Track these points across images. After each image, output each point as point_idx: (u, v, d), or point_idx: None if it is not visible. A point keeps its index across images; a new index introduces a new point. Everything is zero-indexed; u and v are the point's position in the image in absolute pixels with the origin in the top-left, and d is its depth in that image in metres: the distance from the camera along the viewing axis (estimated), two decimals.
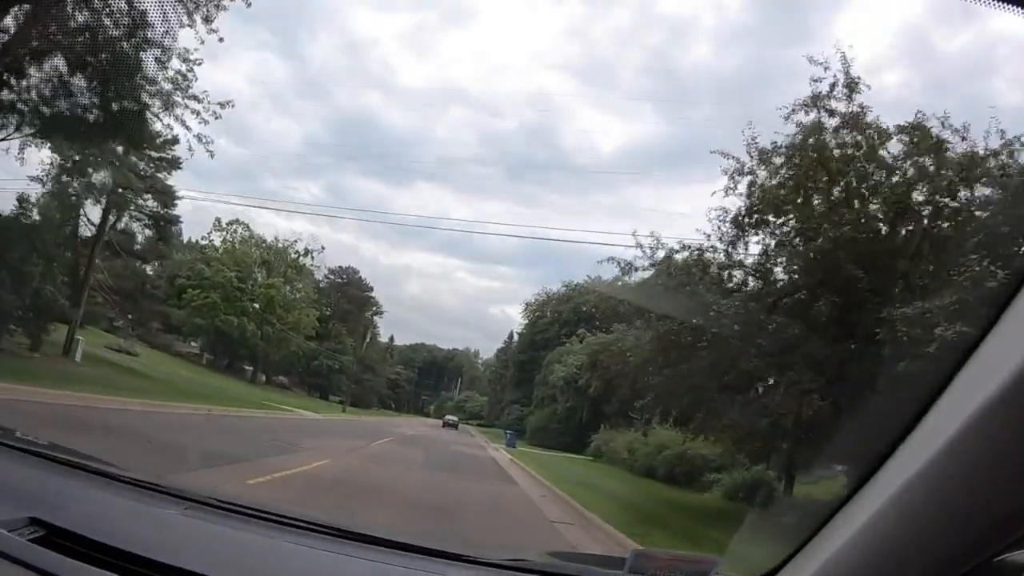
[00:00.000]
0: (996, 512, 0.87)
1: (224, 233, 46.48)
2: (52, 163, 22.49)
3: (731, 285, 12.66)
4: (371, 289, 67.14)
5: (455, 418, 68.23)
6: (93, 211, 26.12)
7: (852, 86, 11.32)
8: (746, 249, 12.64)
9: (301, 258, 49.03)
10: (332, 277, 64.40)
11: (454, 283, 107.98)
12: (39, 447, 2.03)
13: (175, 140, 20.32)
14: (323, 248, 51.96)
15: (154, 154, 23.99)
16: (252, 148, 62.13)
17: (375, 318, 69.14)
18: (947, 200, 11.04)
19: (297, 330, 45.72)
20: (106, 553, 1.34)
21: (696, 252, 12.52)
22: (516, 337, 67.73)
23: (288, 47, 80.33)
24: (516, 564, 1.68)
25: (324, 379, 56.04)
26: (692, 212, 62.66)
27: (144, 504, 1.78)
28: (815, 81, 11.35)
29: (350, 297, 63.90)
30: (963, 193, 11.04)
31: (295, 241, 48.41)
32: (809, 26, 49.65)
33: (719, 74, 58.95)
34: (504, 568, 1.67)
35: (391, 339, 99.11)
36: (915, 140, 11.06)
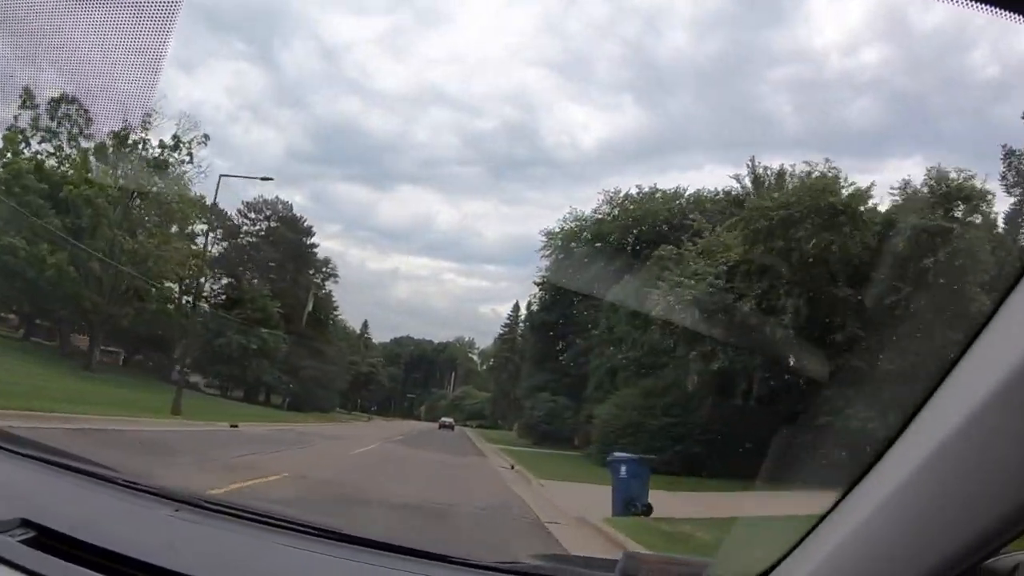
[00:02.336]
0: (990, 514, 0.89)
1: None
2: None
3: None
4: (311, 233, 44.57)
5: (451, 419, 63.62)
6: None
7: None
8: None
9: (168, 152, 24.18)
10: (252, 215, 41.46)
11: (443, 284, 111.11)
12: (29, 447, 2.15)
13: None
14: (207, 138, 27.26)
15: None
16: (234, 160, 59.86)
17: (327, 284, 46.36)
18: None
19: (144, 263, 20.39)
20: (96, 554, 1.39)
21: None
22: (527, 308, 50.19)
23: (263, 56, 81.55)
24: (507, 567, 1.67)
25: (236, 366, 32.57)
26: None
27: (135, 505, 1.85)
28: None
29: (279, 243, 40.28)
30: None
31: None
32: (782, 7, 52.43)
33: (695, 62, 58.40)
34: (495, 571, 1.66)
35: (364, 325, 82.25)
36: None
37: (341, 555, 1.66)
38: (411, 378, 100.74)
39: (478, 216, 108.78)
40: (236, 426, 21.77)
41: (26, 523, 1.42)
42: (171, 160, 31.63)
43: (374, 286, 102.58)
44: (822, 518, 1.15)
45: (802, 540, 1.19)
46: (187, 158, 33.08)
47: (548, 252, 41.00)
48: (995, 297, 0.98)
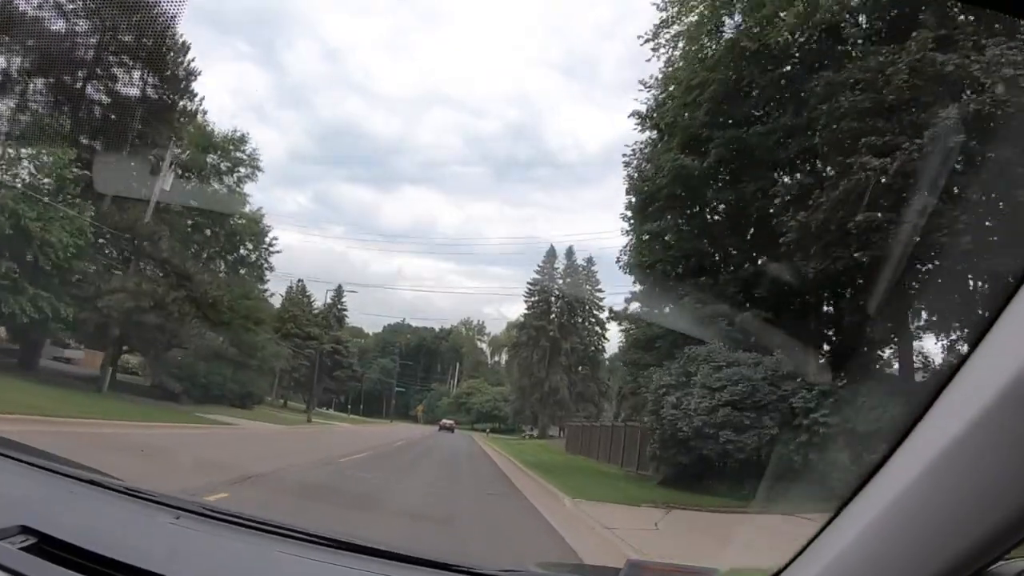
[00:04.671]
0: (993, 520, 0.91)
1: None
2: None
3: None
4: (185, 51, 20.06)
5: (451, 421, 58.87)
6: None
7: None
8: None
9: None
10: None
11: (446, 286, 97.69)
12: (31, 455, 2.15)
13: None
14: None
15: None
16: None
17: (243, 183, 21.45)
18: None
19: None
20: (97, 562, 1.39)
21: None
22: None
23: (267, 57, 62.99)
24: (511, 575, 1.73)
25: None
26: None
27: (135, 512, 1.87)
28: None
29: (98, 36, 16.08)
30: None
31: None
32: None
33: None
34: None
35: (338, 291, 63.16)
36: None
37: (343, 563, 1.64)
38: (407, 370, 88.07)
39: (482, 218, 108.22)
40: None
41: (26, 530, 1.39)
42: None
43: (377, 288, 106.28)
44: (826, 524, 1.15)
45: (806, 547, 1.19)
46: None
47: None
48: (999, 301, 0.97)
